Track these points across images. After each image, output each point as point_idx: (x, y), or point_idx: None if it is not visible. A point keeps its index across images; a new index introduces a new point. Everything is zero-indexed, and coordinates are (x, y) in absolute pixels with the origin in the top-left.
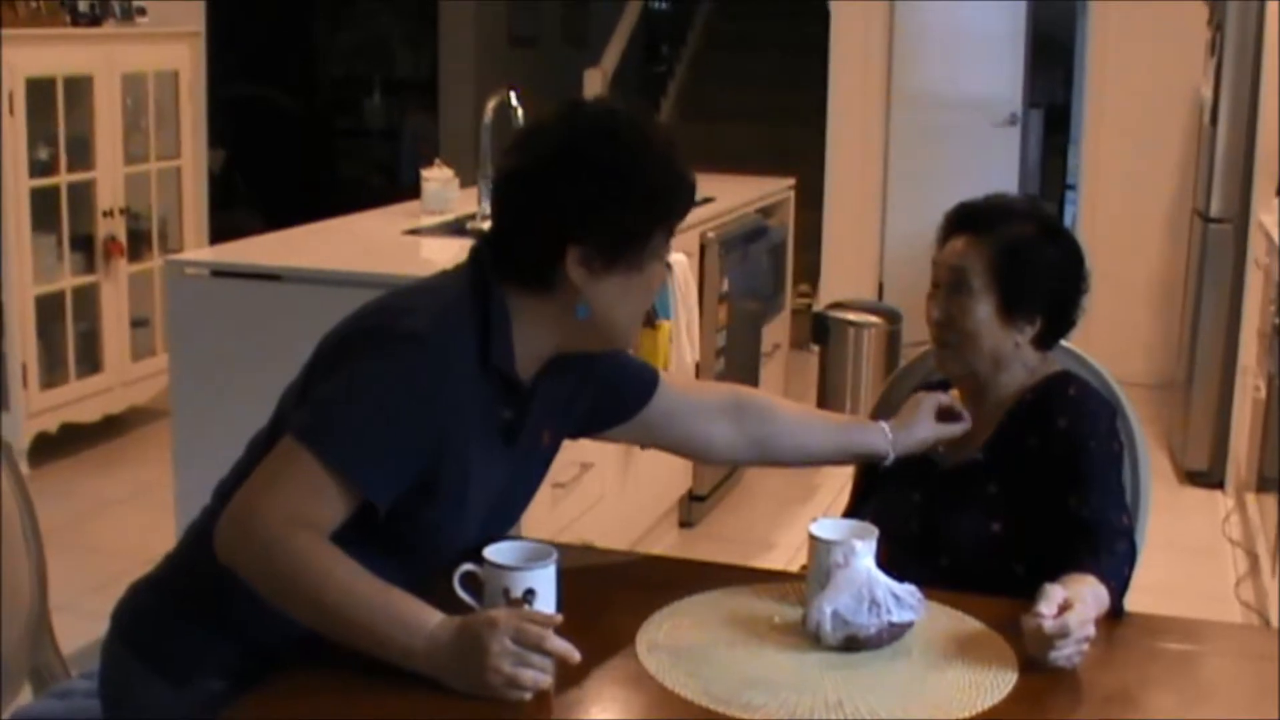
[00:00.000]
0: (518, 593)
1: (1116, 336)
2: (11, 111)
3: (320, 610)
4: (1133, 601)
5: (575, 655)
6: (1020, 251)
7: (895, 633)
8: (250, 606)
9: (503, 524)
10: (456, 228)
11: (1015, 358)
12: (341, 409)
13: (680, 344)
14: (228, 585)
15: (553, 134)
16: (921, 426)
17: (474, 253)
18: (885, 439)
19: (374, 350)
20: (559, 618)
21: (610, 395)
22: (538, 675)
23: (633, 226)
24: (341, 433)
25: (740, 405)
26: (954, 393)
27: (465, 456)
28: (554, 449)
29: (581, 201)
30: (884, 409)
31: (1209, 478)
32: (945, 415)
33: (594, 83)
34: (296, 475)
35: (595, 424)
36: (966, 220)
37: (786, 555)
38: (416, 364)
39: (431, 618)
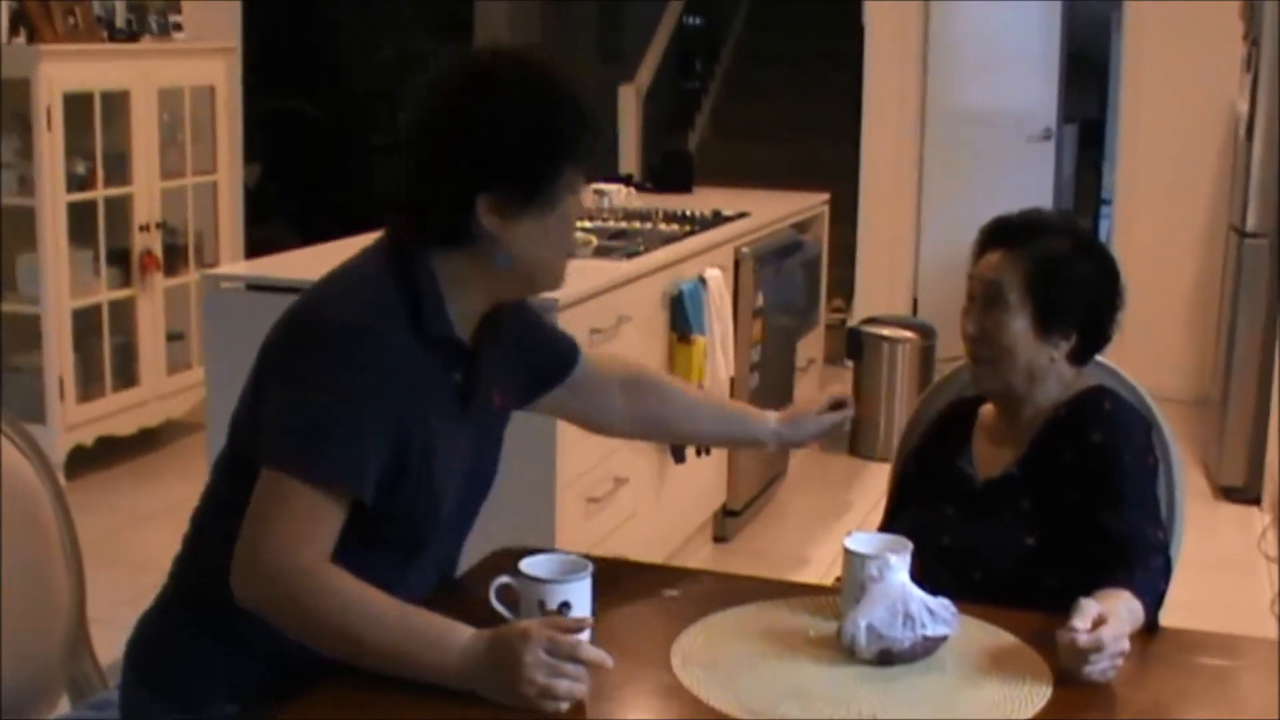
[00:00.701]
0: (553, 605)
1: (1152, 352)
2: (49, 126)
3: (350, 643)
4: (1168, 617)
5: (608, 661)
6: (1055, 266)
7: (929, 646)
8: (255, 626)
9: (477, 495)
10: None
11: (1050, 372)
12: (302, 420)
13: (715, 359)
14: (228, 609)
15: (444, 86)
16: (809, 423)
17: (387, 223)
18: (768, 431)
19: (312, 350)
20: (590, 619)
21: (542, 360)
22: (572, 685)
23: (539, 166)
24: (311, 445)
25: (638, 382)
26: (839, 388)
27: (427, 428)
28: (507, 414)
29: (482, 148)
30: (917, 423)
31: (1245, 493)
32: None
33: (628, 99)
34: (287, 506)
35: (532, 390)
36: (1002, 235)
37: (820, 570)
38: (357, 351)
39: (462, 634)
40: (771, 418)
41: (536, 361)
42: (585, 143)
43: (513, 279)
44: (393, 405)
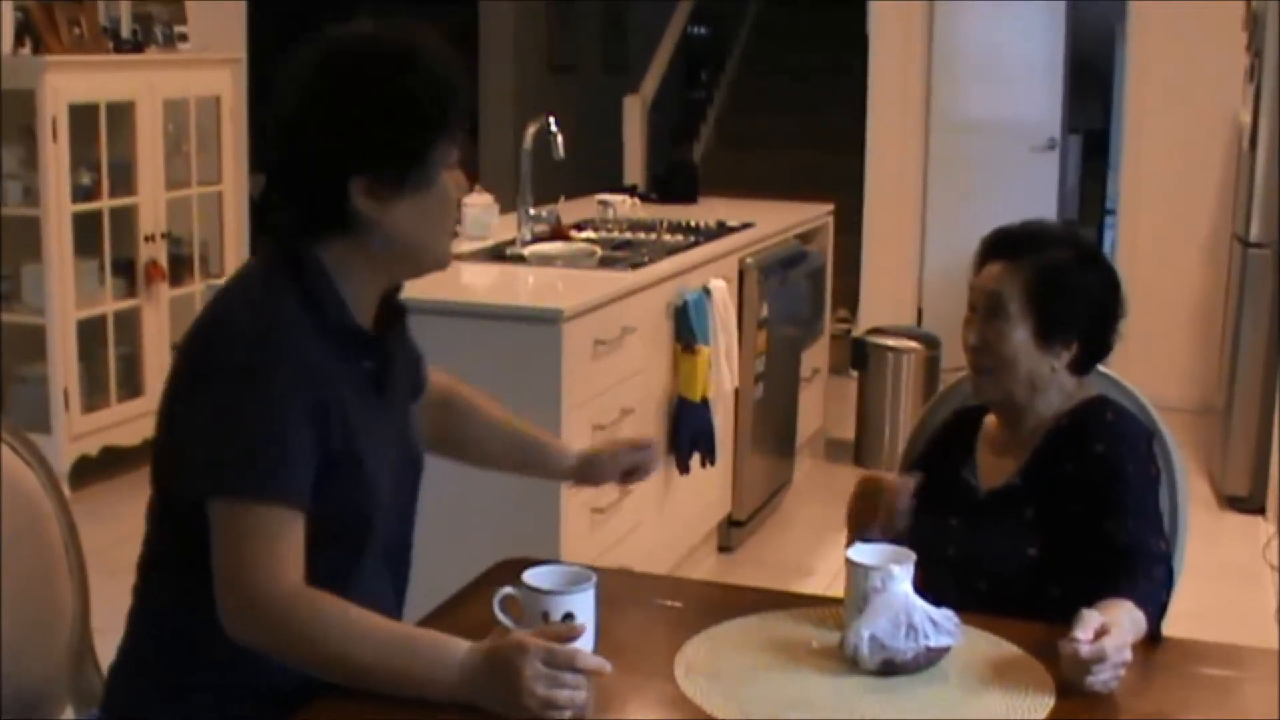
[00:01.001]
0: (556, 617)
1: (1156, 361)
2: (55, 137)
3: (350, 664)
4: (1172, 627)
5: (607, 667)
6: (1056, 276)
7: (932, 657)
8: (208, 693)
9: (412, 480)
10: (496, 254)
11: (1051, 382)
12: (233, 444)
13: (719, 370)
14: (200, 651)
15: (301, 74)
16: (607, 464)
17: (266, 224)
18: (565, 467)
19: (222, 370)
20: (583, 626)
21: (415, 369)
22: (573, 694)
23: (408, 144)
24: (251, 466)
25: (449, 402)
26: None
27: (348, 422)
28: (418, 398)
29: (347, 133)
30: (921, 434)
31: (1249, 503)
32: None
33: (633, 109)
34: (249, 534)
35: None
36: (1003, 246)
37: (825, 581)
38: (267, 360)
39: (458, 649)
40: (573, 453)
41: (415, 363)
42: (452, 114)
43: (397, 261)
44: (312, 405)
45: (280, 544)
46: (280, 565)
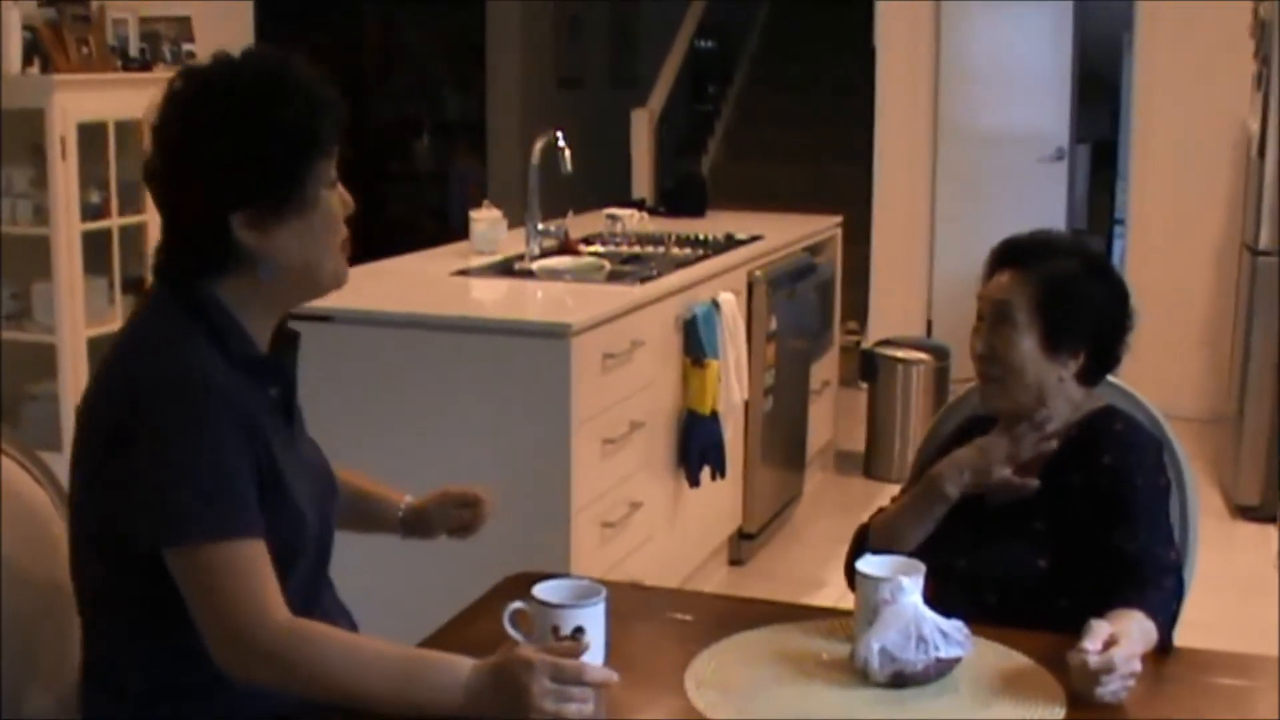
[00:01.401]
0: (567, 630)
1: (1166, 371)
2: (64, 156)
3: (352, 693)
4: (1183, 637)
5: (614, 678)
6: (1064, 286)
7: (943, 668)
8: (205, 694)
9: (328, 501)
10: (504, 268)
11: (1059, 392)
12: (182, 491)
13: (729, 383)
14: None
15: (168, 113)
16: (434, 526)
17: (156, 270)
18: (391, 522)
19: (150, 416)
20: (588, 644)
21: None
22: (581, 708)
23: (283, 171)
24: (204, 509)
25: None
26: None
27: (270, 450)
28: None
29: (217, 170)
30: (931, 445)
31: (1260, 512)
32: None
33: (641, 123)
34: (222, 577)
35: None
36: (1011, 255)
37: (836, 593)
38: (193, 401)
39: (462, 669)
40: (403, 505)
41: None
42: (324, 131)
43: (290, 287)
44: (242, 438)
45: (256, 579)
46: (264, 600)
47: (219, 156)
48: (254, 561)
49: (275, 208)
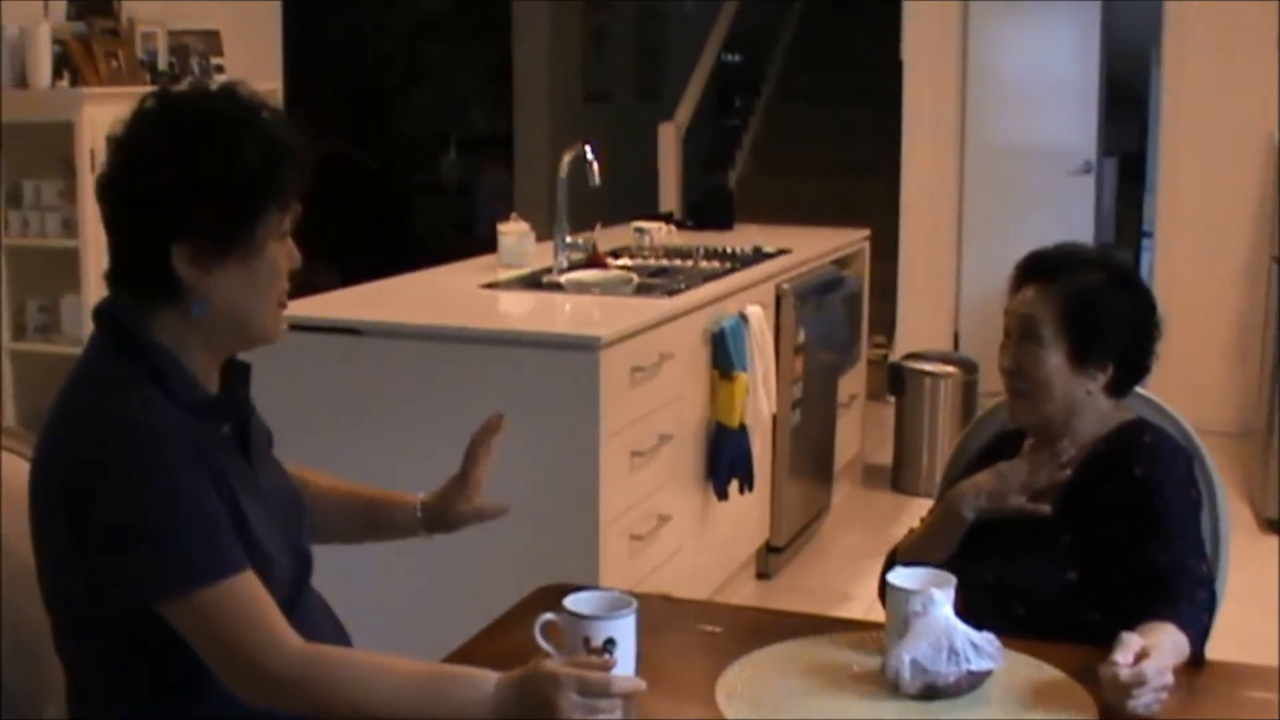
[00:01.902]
0: (598, 642)
1: (1195, 384)
2: (93, 169)
3: (379, 708)
4: (1214, 650)
5: (642, 686)
6: (1090, 299)
7: (974, 681)
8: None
9: (301, 532)
10: (532, 281)
11: (1088, 405)
12: (164, 540)
13: (757, 396)
14: None
15: (125, 137)
16: (458, 513)
17: (97, 312)
18: (414, 518)
19: (109, 475)
20: (615, 660)
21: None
22: (609, 719)
23: (235, 213)
24: (194, 555)
25: None
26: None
27: (231, 491)
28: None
29: (169, 194)
30: (960, 459)
31: None
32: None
33: (667, 138)
34: (226, 617)
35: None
36: (1036, 269)
37: (864, 607)
38: (148, 449)
39: (487, 683)
40: (416, 502)
41: (259, 419)
42: (283, 181)
43: (220, 330)
44: (205, 475)
45: (259, 610)
46: (271, 630)
47: (173, 183)
48: (252, 594)
49: (220, 246)
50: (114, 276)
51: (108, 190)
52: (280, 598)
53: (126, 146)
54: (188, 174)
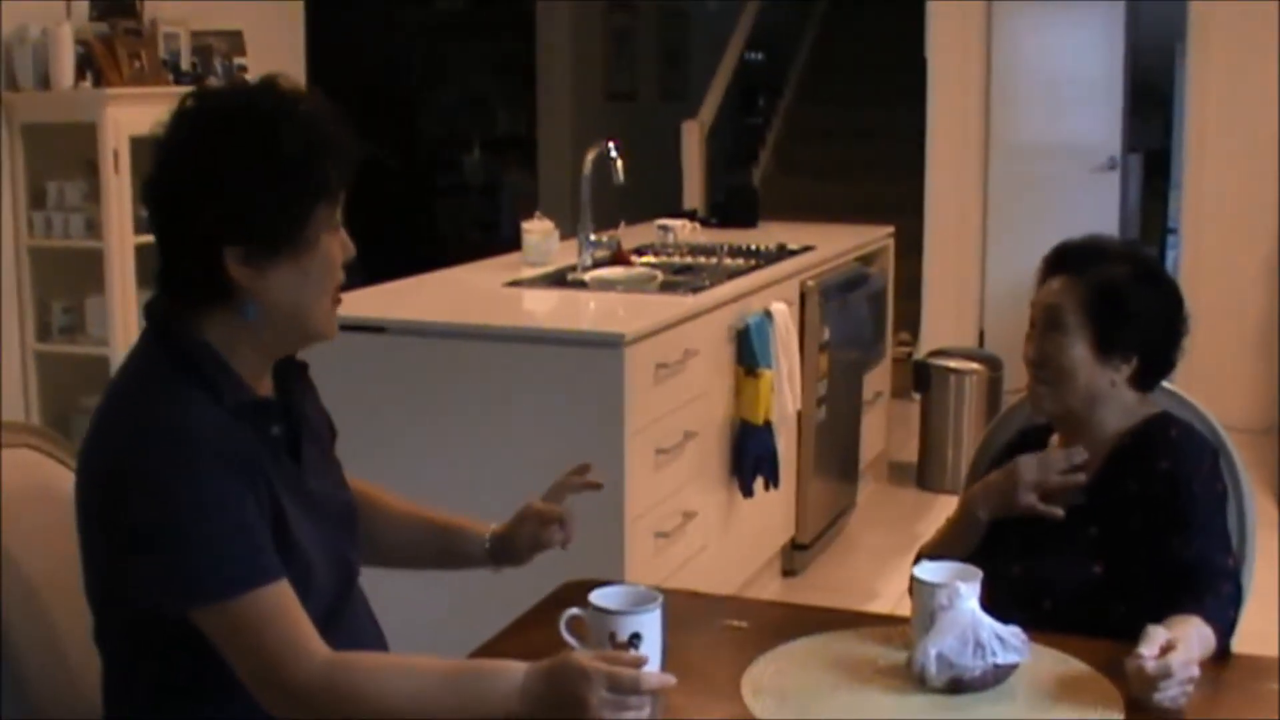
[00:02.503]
0: (623, 637)
1: (1220, 380)
2: (116, 169)
3: (410, 709)
4: (1239, 645)
5: (671, 681)
6: (1115, 290)
7: (1000, 674)
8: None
9: (347, 534)
10: (557, 279)
11: (1112, 397)
12: (199, 548)
13: (782, 393)
14: None
15: (171, 139)
16: (522, 546)
17: (147, 309)
18: (482, 549)
19: (149, 481)
20: (647, 657)
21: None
22: (638, 715)
23: (284, 209)
24: (226, 564)
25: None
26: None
27: (274, 495)
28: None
29: (216, 196)
30: (984, 455)
31: None
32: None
33: (691, 135)
34: (256, 627)
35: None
36: (1063, 260)
37: (889, 604)
38: (192, 456)
39: (515, 675)
40: (487, 533)
41: (325, 416)
42: (331, 174)
43: (275, 331)
44: (246, 484)
45: (286, 621)
46: (298, 641)
47: (220, 185)
48: (281, 604)
49: (271, 245)
50: (163, 280)
51: (152, 194)
52: (321, 605)
53: (167, 148)
54: (231, 172)
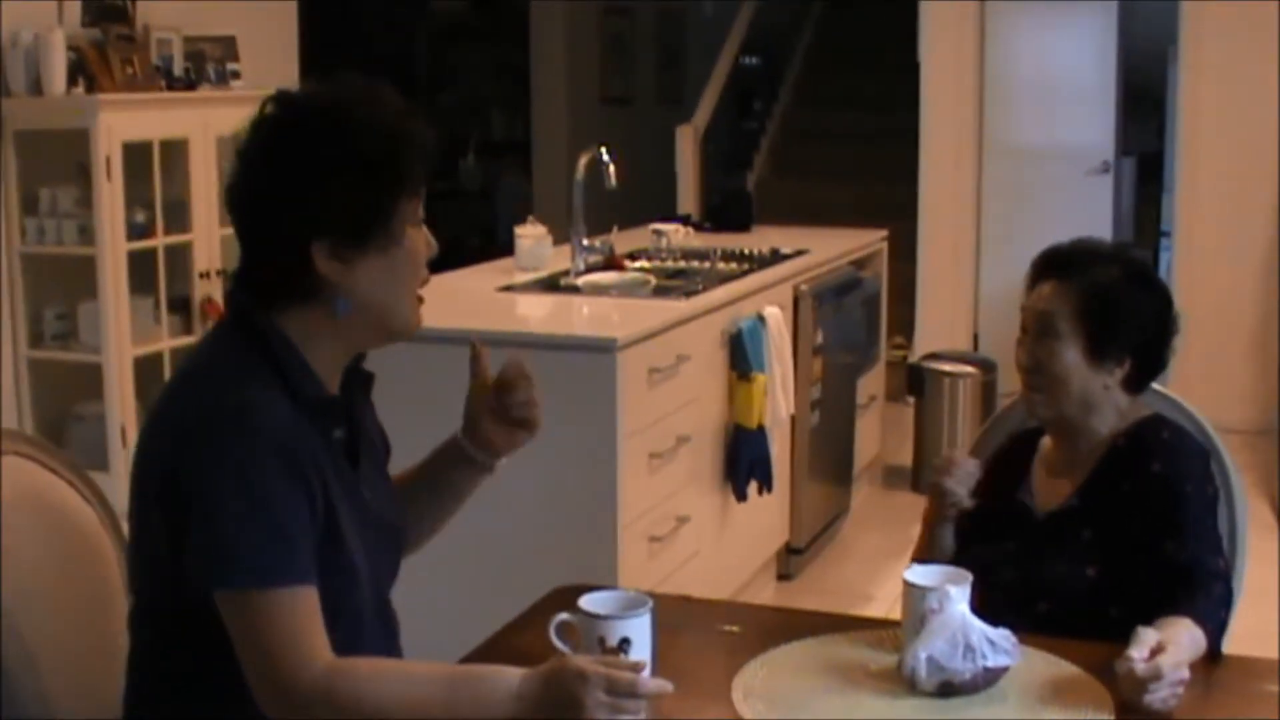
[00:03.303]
0: (613, 642)
1: (1214, 382)
2: (109, 176)
3: (407, 716)
4: (1231, 647)
5: (668, 688)
6: (1106, 294)
7: (990, 678)
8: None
9: (391, 550)
10: (550, 284)
11: (1105, 400)
12: (236, 535)
13: (775, 397)
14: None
15: (255, 138)
16: (497, 434)
17: (228, 298)
18: (465, 452)
19: (207, 463)
20: (644, 662)
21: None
22: (634, 719)
23: (369, 202)
24: (256, 555)
25: None
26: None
27: (328, 498)
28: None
29: (304, 195)
30: (978, 458)
31: None
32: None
33: (685, 140)
34: (267, 623)
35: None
36: (1053, 265)
37: (885, 607)
38: (251, 447)
39: (511, 679)
40: (458, 438)
41: (380, 430)
42: (413, 169)
43: (362, 326)
44: (302, 482)
45: (300, 625)
46: (308, 646)
47: (305, 183)
48: (301, 609)
49: (357, 237)
50: (245, 277)
51: (238, 199)
52: (355, 613)
53: (251, 154)
54: (316, 171)
